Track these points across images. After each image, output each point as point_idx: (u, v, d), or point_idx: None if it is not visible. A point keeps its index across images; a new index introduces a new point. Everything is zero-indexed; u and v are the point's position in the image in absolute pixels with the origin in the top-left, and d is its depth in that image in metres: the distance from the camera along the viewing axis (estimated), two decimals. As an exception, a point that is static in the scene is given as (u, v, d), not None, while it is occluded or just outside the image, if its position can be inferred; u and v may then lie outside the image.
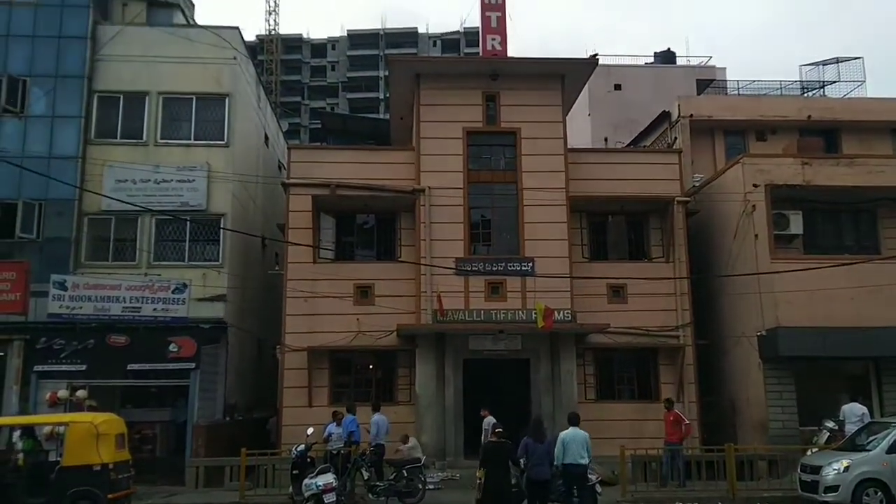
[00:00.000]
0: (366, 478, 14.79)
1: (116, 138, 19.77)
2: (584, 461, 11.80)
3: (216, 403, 19.37)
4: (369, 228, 20.46)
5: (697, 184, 21.42)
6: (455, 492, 16.09)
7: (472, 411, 18.04)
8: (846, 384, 18.35)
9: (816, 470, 13.39)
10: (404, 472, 14.65)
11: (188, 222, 19.31)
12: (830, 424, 16.42)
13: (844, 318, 17.28)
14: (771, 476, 16.32)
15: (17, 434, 14.85)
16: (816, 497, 13.29)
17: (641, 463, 16.21)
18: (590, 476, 13.43)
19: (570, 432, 12.13)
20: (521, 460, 11.53)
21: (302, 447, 14.28)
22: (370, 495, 14.74)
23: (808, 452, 15.78)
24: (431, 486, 16.15)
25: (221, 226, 19.50)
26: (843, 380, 18.62)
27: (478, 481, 11.18)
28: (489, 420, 15.81)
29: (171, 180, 19.43)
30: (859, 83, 26.11)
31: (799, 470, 14.11)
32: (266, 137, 24.88)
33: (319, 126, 43.14)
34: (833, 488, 12.98)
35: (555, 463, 11.68)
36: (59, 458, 13.50)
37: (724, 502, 14.60)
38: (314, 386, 18.87)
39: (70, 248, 18.91)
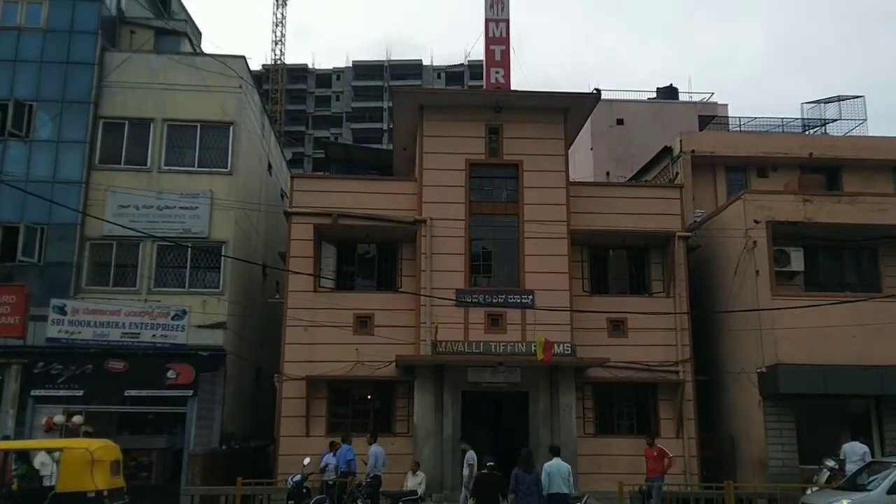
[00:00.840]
0: (362, 510, 14.66)
1: (120, 164, 19.87)
2: (566, 491, 12.31)
3: (213, 431, 19.19)
4: (370, 258, 20.50)
5: (698, 219, 21.49)
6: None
7: (471, 444, 17.92)
8: (847, 423, 18.20)
9: (817, 510, 13.25)
10: (400, 503, 14.49)
11: (189, 249, 19.35)
12: (831, 463, 16.32)
13: (845, 355, 17.25)
14: (771, 515, 16.15)
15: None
16: (818, 538, 13.14)
17: (640, 499, 16.02)
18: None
19: (553, 463, 12.64)
20: (511, 492, 12.01)
21: (298, 477, 14.16)
22: (367, 526, 14.59)
23: (808, 491, 15.65)
24: (428, 521, 16.05)
25: (223, 253, 19.50)
26: (843, 418, 18.49)
27: None
28: (471, 455, 15.76)
29: (174, 207, 19.49)
30: (860, 121, 26.36)
31: (800, 508, 13.96)
32: (269, 166, 25.04)
33: (323, 155, 43.45)
34: (834, 528, 12.83)
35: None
36: (53, 485, 13.34)
37: (724, 541, 14.43)
38: (312, 415, 18.74)
39: (71, 273, 18.91)
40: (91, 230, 19.36)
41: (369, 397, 19.60)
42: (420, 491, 16.69)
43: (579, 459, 18.51)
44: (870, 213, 18.59)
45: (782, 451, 17.64)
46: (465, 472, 15.60)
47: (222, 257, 19.16)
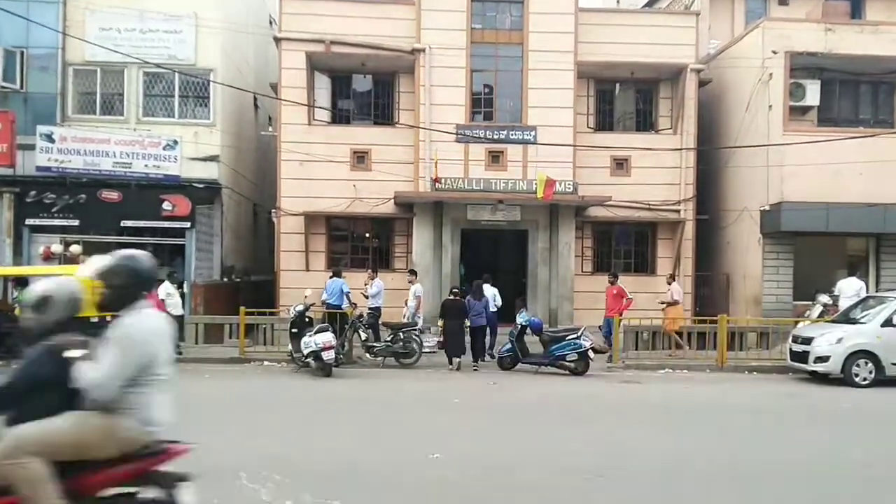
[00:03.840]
0: (363, 339, 14.90)
1: (99, -18, 18.50)
2: (493, 309, 15.52)
3: (213, 264, 19.29)
4: (366, 91, 19.65)
5: (713, 50, 20.41)
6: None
7: (469, 281, 18.06)
8: (844, 261, 18.28)
9: (808, 341, 13.45)
10: (401, 334, 14.72)
11: (176, 75, 18.48)
12: (824, 299, 16.47)
13: (850, 193, 16.95)
14: (760, 348, 16.52)
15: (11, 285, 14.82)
16: (805, 367, 13.43)
17: (633, 332, 16.30)
18: (583, 343, 13.73)
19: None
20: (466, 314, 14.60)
21: (300, 307, 14.24)
22: (368, 355, 14.89)
23: (799, 325, 15.93)
24: (427, 350, 16.37)
25: (211, 80, 18.64)
26: (841, 256, 18.55)
27: (440, 329, 14.91)
28: (418, 287, 16.08)
29: (158, 30, 18.36)
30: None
31: (790, 340, 14.20)
32: (258, -10, 23.45)
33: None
34: (823, 358, 13.07)
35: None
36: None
37: (713, 370, 14.81)
38: (311, 251, 18.75)
39: (56, 102, 18.14)
40: (73, 55, 18.36)
41: (368, 234, 19.54)
42: (419, 324, 16.93)
43: (576, 296, 18.79)
44: (893, 45, 17.57)
45: (777, 287, 17.82)
46: (413, 303, 15.87)
47: (211, 83, 18.28)
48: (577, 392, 12.26)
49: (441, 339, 14.80)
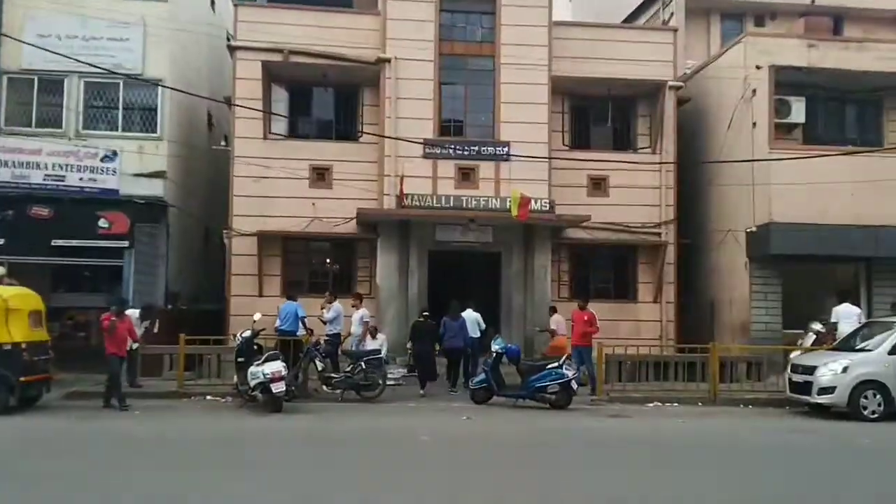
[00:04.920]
0: (320, 369, 13.34)
1: (37, -14, 17.07)
2: (476, 335, 14.73)
3: (156, 289, 17.60)
4: (328, 104, 18.36)
5: (689, 71, 19.63)
6: (417, 388, 14.81)
7: (438, 306, 16.72)
8: (833, 287, 17.30)
9: (810, 370, 12.30)
10: (362, 364, 13.22)
11: (121, 85, 17.05)
12: (817, 326, 15.45)
13: (841, 215, 16.09)
14: (750, 379, 15.37)
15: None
16: (809, 399, 12.29)
17: (616, 363, 15.01)
18: (565, 372, 12.43)
19: (466, 313, 14.76)
20: (441, 335, 14.19)
21: (248, 333, 12.69)
22: (325, 388, 13.35)
23: (792, 355, 14.83)
24: (392, 381, 14.93)
25: (159, 91, 17.21)
26: (830, 282, 17.58)
27: (408, 352, 14.67)
28: (363, 312, 15.14)
29: (102, 38, 16.99)
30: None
31: (789, 370, 13.06)
32: (212, 1, 22.20)
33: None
34: (828, 389, 11.94)
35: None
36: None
37: (705, 403, 13.58)
38: (265, 274, 17.21)
39: (-13, 111, 16.55)
40: (8, 62, 16.93)
41: (328, 256, 18.10)
42: (382, 353, 15.52)
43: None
44: (878, 62, 16.92)
45: (766, 314, 16.76)
46: (358, 329, 14.88)
47: (159, 95, 16.82)
48: (561, 428, 10.89)
49: (409, 364, 14.33)
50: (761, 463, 8.32)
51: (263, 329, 13.31)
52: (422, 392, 13.83)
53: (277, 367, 11.42)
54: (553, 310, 15.93)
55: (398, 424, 10.89)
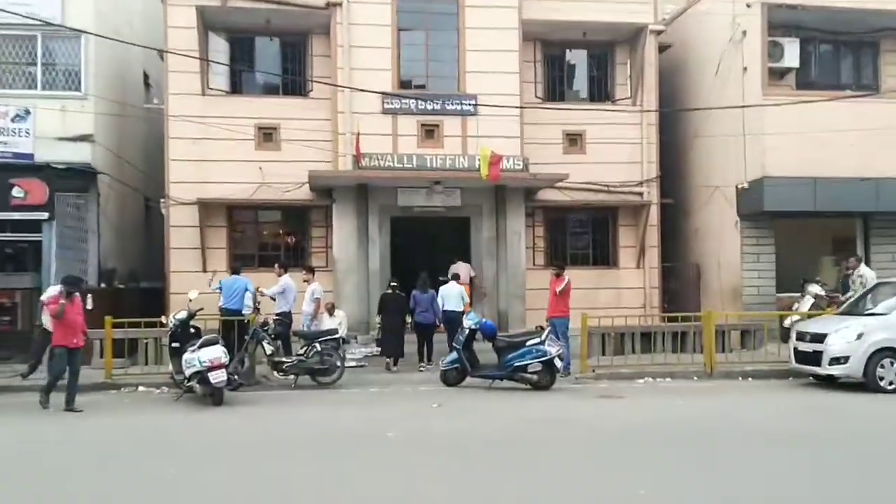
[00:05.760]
0: (268, 352, 11.67)
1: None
2: (459, 309, 13.45)
3: (87, 267, 15.65)
4: (272, 55, 16.42)
5: (670, 15, 18.07)
6: (380, 370, 13.29)
7: (403, 278, 15.17)
8: (829, 246, 16.14)
9: (820, 338, 11.00)
10: (317, 345, 11.60)
11: (39, 37, 14.99)
12: (815, 289, 14.25)
13: (839, 167, 14.76)
14: (745, 348, 14.12)
15: None
16: (818, 370, 11.01)
17: (599, 335, 13.60)
18: (548, 349, 10.94)
19: (447, 286, 13.90)
20: (411, 310, 13.50)
21: (183, 314, 10.98)
22: (275, 373, 11.73)
23: (787, 321, 13.64)
24: (353, 364, 13.42)
25: (82, 44, 15.17)
26: (825, 240, 16.38)
27: (377, 325, 13.71)
28: (316, 288, 13.44)
29: (11, -18, 14.77)
30: None
31: (794, 338, 11.75)
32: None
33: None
34: (841, 359, 10.68)
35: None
36: None
37: (701, 377, 12.26)
38: (209, 247, 15.42)
39: None
40: None
41: (279, 225, 16.37)
42: (341, 332, 13.91)
43: (527, 294, 16.02)
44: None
45: (758, 277, 15.49)
46: (310, 308, 13.32)
47: (82, 38, 14.69)
48: (545, 414, 9.38)
49: (378, 338, 13.57)
50: (808, 455, 6.91)
51: (201, 309, 11.58)
52: (394, 368, 13.26)
53: (216, 353, 9.75)
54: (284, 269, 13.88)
55: (358, 417, 9.32)
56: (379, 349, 13.97)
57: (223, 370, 9.76)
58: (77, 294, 10.39)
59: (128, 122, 17.44)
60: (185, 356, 10.05)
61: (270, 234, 16.42)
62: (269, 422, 9.14)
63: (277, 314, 12.58)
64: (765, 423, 8.66)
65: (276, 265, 13.66)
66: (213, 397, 9.78)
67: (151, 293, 17.34)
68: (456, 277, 14.39)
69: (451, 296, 13.69)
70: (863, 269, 13.50)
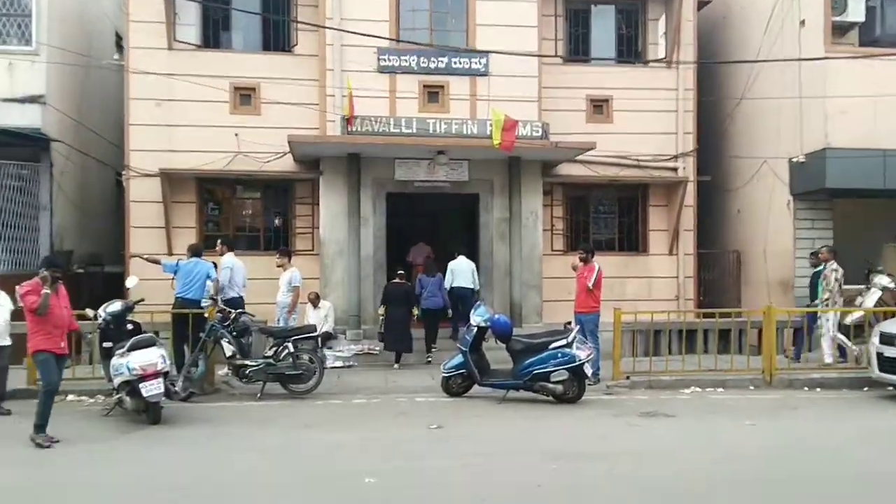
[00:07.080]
0: (228, 354, 9.50)
1: None
2: (469, 286, 12.56)
3: (38, 248, 13.62)
4: (252, 4, 14.10)
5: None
6: (372, 372, 11.21)
7: (400, 263, 13.09)
8: (891, 228, 13.92)
9: (914, 343, 8.82)
10: (289, 345, 9.45)
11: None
12: (885, 281, 12.12)
13: (912, 138, 12.49)
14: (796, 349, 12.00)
15: None
16: (911, 383, 8.82)
17: (629, 332, 11.46)
18: (576, 353, 8.79)
19: (457, 261, 12.81)
20: (417, 295, 12.27)
21: (117, 306, 8.80)
22: (238, 380, 9.59)
23: (849, 318, 11.51)
24: (340, 364, 11.39)
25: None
26: (890, 224, 14.11)
27: (380, 317, 12.19)
28: (294, 274, 11.64)
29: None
30: None
31: (876, 342, 9.59)
32: None
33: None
34: (943, 369, 8.49)
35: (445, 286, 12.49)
36: None
37: (758, 386, 10.11)
38: (175, 226, 13.31)
39: None
40: None
41: (257, 201, 14.21)
42: (326, 327, 11.83)
43: (545, 283, 13.87)
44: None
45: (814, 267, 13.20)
46: (287, 298, 11.43)
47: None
48: (578, 446, 7.13)
49: (381, 331, 12.09)
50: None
51: (142, 300, 9.43)
52: (395, 366, 11.80)
53: (150, 357, 7.60)
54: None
55: (331, 445, 7.15)
56: (379, 346, 12.14)
57: (159, 379, 7.60)
58: (61, 281, 7.59)
59: (94, 87, 15.35)
60: (112, 361, 7.93)
61: (247, 212, 14.25)
62: (206, 455, 6.87)
63: (224, 301, 10.29)
64: (878, 459, 6.48)
65: (219, 242, 11.62)
66: (148, 414, 7.63)
67: (118, 279, 15.26)
68: (463, 252, 13.10)
69: (461, 271, 12.61)
70: None
